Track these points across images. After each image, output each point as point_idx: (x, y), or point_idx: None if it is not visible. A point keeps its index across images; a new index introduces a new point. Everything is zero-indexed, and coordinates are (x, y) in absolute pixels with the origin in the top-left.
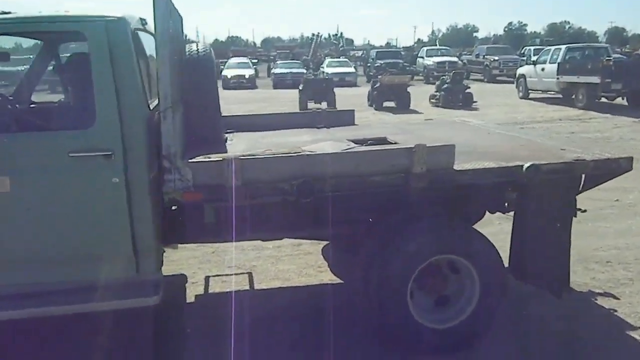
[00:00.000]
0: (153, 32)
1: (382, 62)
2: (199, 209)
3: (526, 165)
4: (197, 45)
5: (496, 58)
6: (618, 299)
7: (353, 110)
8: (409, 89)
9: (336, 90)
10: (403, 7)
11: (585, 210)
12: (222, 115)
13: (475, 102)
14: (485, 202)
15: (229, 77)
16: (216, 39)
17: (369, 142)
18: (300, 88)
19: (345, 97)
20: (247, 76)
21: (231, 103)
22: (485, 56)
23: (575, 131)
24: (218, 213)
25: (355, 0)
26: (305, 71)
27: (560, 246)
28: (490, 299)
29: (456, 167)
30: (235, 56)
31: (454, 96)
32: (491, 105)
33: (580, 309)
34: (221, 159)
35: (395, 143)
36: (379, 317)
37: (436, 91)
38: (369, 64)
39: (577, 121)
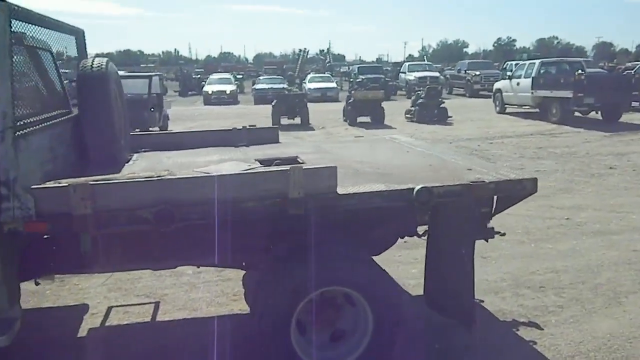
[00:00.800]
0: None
1: (363, 77)
2: (74, 237)
3: (417, 188)
4: (92, 61)
5: (477, 73)
6: (542, 329)
7: (277, 128)
8: (384, 104)
9: (317, 105)
10: (394, 23)
11: (504, 234)
12: (140, 133)
13: (450, 117)
14: (392, 226)
15: (209, 92)
16: (209, 55)
17: (275, 162)
18: (273, 104)
19: (322, 112)
20: (228, 92)
21: (204, 119)
22: (467, 71)
23: (544, 146)
24: (95, 242)
25: (347, 16)
26: (285, 86)
27: (464, 273)
28: (384, 334)
29: (340, 190)
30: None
31: (429, 111)
32: (466, 120)
33: (497, 340)
34: (67, 184)
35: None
36: (263, 355)
37: (412, 106)
38: (351, 80)
39: (548, 136)
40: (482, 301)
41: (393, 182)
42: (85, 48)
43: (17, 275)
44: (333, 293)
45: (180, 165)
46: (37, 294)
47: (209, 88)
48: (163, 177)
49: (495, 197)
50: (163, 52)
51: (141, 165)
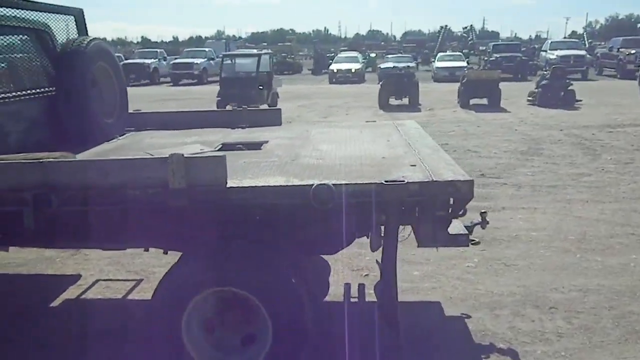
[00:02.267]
0: None
1: (497, 55)
2: (18, 214)
3: (315, 184)
4: (73, 41)
5: (632, 51)
6: None
7: (279, 110)
8: (514, 85)
9: (442, 85)
10: None
11: (478, 242)
12: (145, 112)
13: (580, 100)
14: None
15: (335, 70)
16: (357, 33)
17: (238, 146)
18: (381, 83)
19: (442, 93)
20: (353, 70)
21: (317, 98)
22: (620, 49)
23: None
24: (37, 219)
25: None
26: (413, 65)
27: (386, 282)
28: (285, 344)
29: (231, 184)
30: (368, 50)
31: (553, 94)
32: (597, 105)
33: None
34: None
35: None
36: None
37: (535, 88)
38: (485, 58)
39: None
40: (469, 316)
41: (316, 176)
42: (85, 27)
43: None
44: (239, 294)
45: (153, 146)
46: (47, 261)
47: (334, 66)
48: (43, 160)
49: (451, 199)
50: (313, 31)
51: (112, 146)
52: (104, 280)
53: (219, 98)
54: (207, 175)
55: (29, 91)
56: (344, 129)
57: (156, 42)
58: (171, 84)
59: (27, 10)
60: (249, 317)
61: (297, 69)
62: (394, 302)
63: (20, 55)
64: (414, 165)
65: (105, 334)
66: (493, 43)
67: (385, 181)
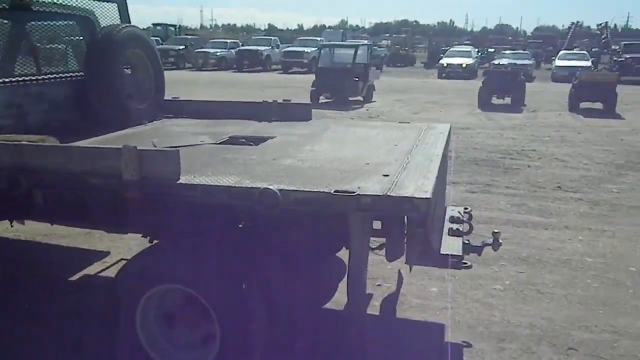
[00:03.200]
0: None
1: (629, 56)
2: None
3: (261, 188)
4: (103, 28)
5: None
6: None
7: (309, 105)
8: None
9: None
10: None
11: (469, 266)
12: (179, 100)
13: None
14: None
15: (444, 65)
16: (484, 27)
17: (241, 140)
18: (482, 81)
19: (554, 94)
20: (464, 65)
21: (414, 92)
22: None
23: None
24: (45, 197)
25: None
26: (530, 62)
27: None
28: (233, 344)
29: (183, 180)
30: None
31: None
32: None
33: None
34: None
35: None
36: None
37: None
38: (615, 59)
39: None
40: (469, 345)
41: (278, 179)
42: (128, 14)
43: None
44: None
45: (169, 134)
46: (86, 236)
47: (444, 60)
48: (16, 143)
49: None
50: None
51: (130, 131)
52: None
53: (313, 88)
54: (159, 170)
55: (67, 74)
56: (362, 129)
57: (281, 29)
58: (281, 71)
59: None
60: (203, 316)
61: (411, 61)
62: (361, 320)
63: (66, 39)
64: (387, 176)
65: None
66: (625, 42)
67: (334, 191)
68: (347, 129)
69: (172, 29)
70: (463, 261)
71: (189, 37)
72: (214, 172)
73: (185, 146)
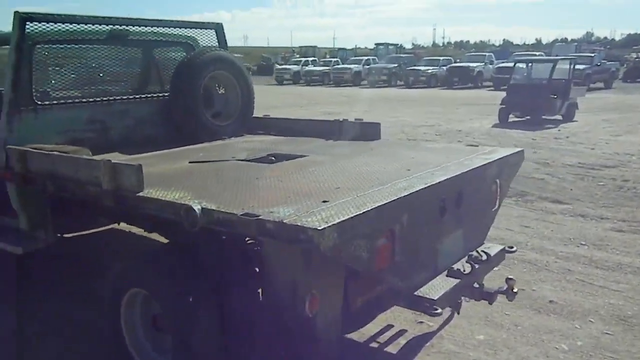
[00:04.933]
0: None
1: None
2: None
3: (186, 205)
4: (199, 52)
5: None
6: None
7: (378, 124)
8: None
9: None
10: None
11: (439, 313)
12: (268, 117)
13: None
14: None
15: None
16: (612, 39)
17: (270, 157)
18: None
19: None
20: None
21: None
22: None
23: None
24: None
25: None
26: None
27: None
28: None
29: (143, 193)
30: None
31: None
32: None
33: None
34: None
35: None
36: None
37: None
38: None
39: None
40: None
41: (233, 198)
42: (225, 39)
43: (41, 211)
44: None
45: (233, 149)
46: None
47: None
48: (50, 153)
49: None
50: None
51: (202, 145)
52: None
53: (503, 106)
54: (128, 181)
55: (154, 94)
56: (409, 151)
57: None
58: (492, 88)
59: (181, 27)
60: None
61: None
62: None
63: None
64: (325, 202)
65: None
66: None
67: (240, 214)
68: (391, 151)
69: (392, 47)
70: (434, 307)
71: (403, 55)
72: (190, 187)
73: (215, 161)
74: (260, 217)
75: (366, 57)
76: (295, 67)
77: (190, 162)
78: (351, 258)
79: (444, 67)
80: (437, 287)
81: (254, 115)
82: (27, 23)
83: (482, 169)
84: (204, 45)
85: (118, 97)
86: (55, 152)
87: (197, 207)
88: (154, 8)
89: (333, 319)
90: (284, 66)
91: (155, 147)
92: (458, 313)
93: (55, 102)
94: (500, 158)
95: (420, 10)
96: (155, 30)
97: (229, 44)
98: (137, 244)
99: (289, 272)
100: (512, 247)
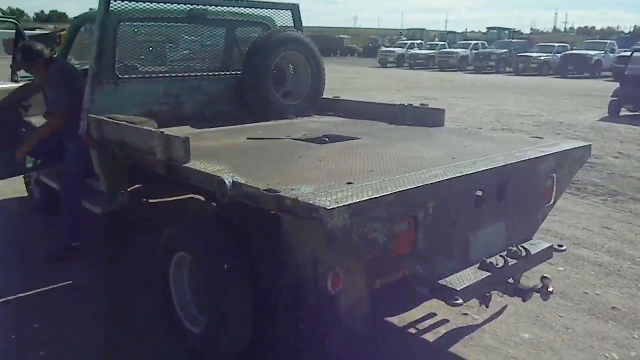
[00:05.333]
0: None
1: None
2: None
3: (221, 177)
4: (271, 32)
5: None
6: None
7: (443, 110)
8: None
9: None
10: None
11: (459, 304)
12: (339, 98)
13: None
14: None
15: None
16: None
17: (323, 138)
18: None
19: None
20: None
21: None
22: None
23: None
24: None
25: None
26: None
27: None
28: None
29: (189, 164)
30: None
31: None
32: None
33: None
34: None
35: None
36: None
37: None
38: None
39: None
40: None
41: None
42: (300, 20)
43: (118, 176)
44: None
45: (295, 129)
46: None
47: None
48: (119, 123)
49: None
50: None
51: (272, 124)
52: None
53: (614, 98)
54: (178, 153)
55: (227, 72)
56: (467, 139)
57: None
58: (611, 78)
59: (258, 8)
60: None
61: None
62: None
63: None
64: (350, 184)
65: None
66: None
67: (263, 189)
68: (447, 138)
69: (506, 32)
70: (455, 297)
71: (515, 40)
72: (234, 162)
73: (270, 139)
74: (279, 194)
75: (475, 42)
76: (400, 50)
77: (248, 139)
78: (365, 240)
79: (558, 55)
80: (465, 278)
81: (324, 97)
82: (112, 2)
83: (532, 162)
84: (280, 25)
85: (193, 74)
86: (123, 122)
87: (228, 180)
88: None
89: (358, 299)
90: (388, 49)
91: (226, 123)
92: (487, 307)
93: (134, 76)
94: (557, 152)
95: None
96: (233, 11)
97: (338, 24)
98: (191, 212)
99: (310, 248)
100: (562, 246)
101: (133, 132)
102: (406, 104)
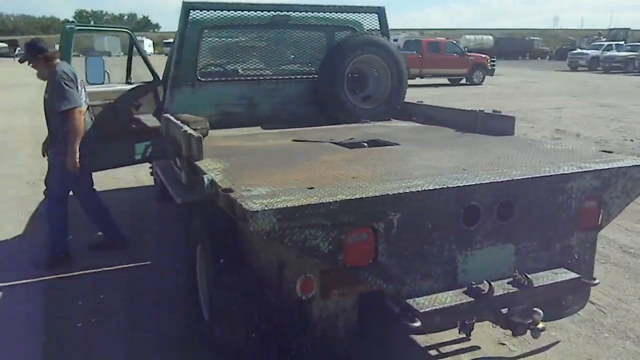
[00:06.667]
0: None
1: None
2: None
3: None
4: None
5: None
6: None
7: (513, 118)
8: None
9: None
10: None
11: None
12: (421, 103)
13: None
14: None
15: None
16: None
17: (362, 143)
18: None
19: None
20: None
21: None
22: None
23: None
24: None
25: None
26: None
27: None
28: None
29: (199, 162)
30: None
31: None
32: None
33: None
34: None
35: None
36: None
37: None
38: None
39: None
40: None
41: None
42: (386, 22)
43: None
44: None
45: (350, 133)
46: None
47: None
48: (170, 119)
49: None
50: None
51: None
52: None
53: None
54: (193, 150)
55: (303, 75)
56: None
57: None
58: None
59: (343, 12)
60: None
61: None
62: None
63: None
64: (311, 188)
65: None
66: None
67: (222, 189)
68: (488, 147)
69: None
70: (414, 318)
71: None
72: (242, 162)
73: (311, 141)
74: (228, 194)
75: None
76: (593, 52)
77: (293, 140)
78: (303, 247)
79: None
80: (440, 301)
81: (407, 101)
82: (191, 11)
83: (549, 179)
84: (368, 29)
85: (268, 77)
86: (172, 119)
87: (207, 179)
88: None
89: (338, 308)
90: (579, 50)
91: (297, 124)
92: (467, 335)
93: (210, 79)
94: (598, 170)
95: None
96: (318, 15)
97: (536, 25)
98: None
99: (275, 250)
100: (595, 279)
101: (174, 128)
102: (477, 110)
